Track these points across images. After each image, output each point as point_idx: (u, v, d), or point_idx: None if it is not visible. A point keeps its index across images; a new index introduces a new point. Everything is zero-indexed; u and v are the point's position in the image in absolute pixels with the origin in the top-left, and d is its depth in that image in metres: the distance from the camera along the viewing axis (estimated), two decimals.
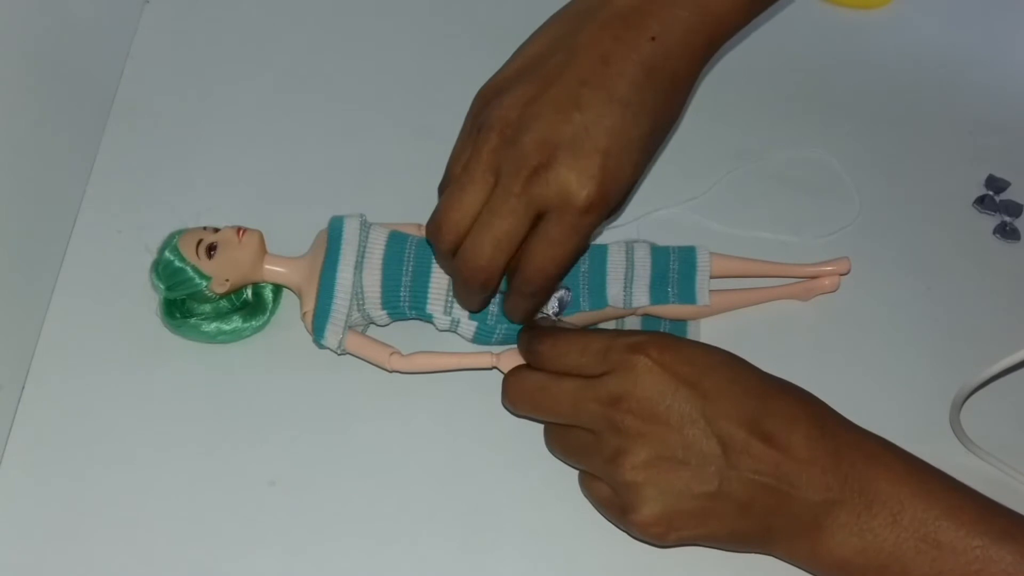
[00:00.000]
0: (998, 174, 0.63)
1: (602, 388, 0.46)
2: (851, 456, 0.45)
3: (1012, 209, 0.62)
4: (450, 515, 0.50)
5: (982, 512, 0.45)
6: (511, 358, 0.52)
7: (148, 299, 0.54)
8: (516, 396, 0.49)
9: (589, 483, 0.49)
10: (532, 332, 0.50)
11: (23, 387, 0.53)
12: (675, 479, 0.45)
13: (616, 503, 0.47)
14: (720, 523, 0.46)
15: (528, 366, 0.50)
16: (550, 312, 0.52)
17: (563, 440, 0.49)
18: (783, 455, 0.45)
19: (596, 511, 0.49)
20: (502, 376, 0.52)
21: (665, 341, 0.47)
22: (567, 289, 0.52)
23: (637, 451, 0.45)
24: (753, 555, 0.48)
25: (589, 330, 0.50)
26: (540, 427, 0.51)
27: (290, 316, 0.55)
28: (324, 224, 0.55)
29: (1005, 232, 0.61)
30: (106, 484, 0.50)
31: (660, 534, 0.46)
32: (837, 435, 0.46)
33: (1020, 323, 0.57)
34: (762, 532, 0.46)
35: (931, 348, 0.57)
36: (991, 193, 0.62)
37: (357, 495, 0.50)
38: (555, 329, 0.50)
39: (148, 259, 0.53)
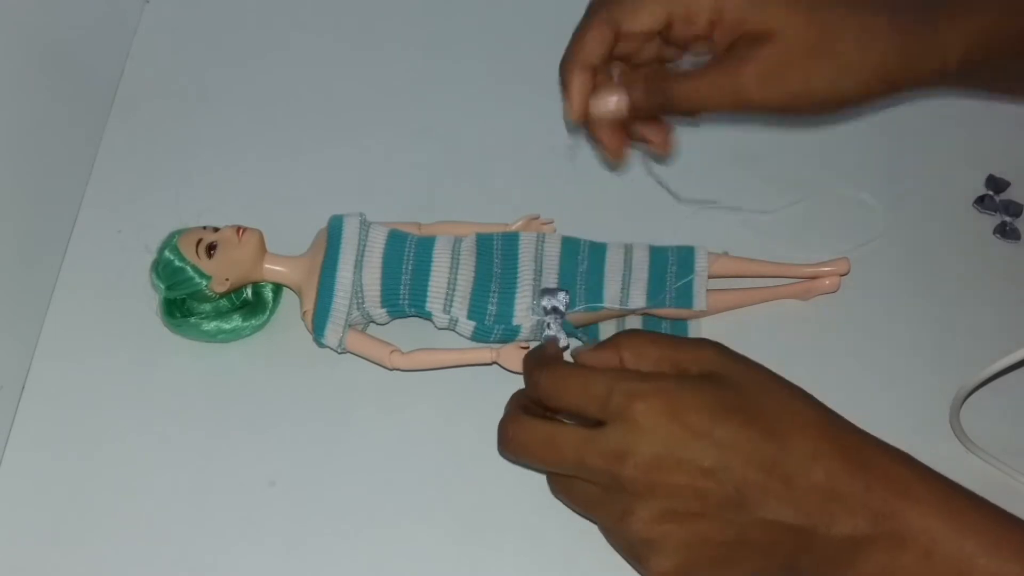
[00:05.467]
0: (998, 174, 0.63)
1: (605, 442, 0.43)
2: (880, 489, 0.42)
3: (1012, 209, 0.62)
4: (451, 514, 0.50)
5: (1020, 543, 0.42)
6: (511, 353, 0.52)
7: (148, 299, 0.54)
8: (516, 447, 0.46)
9: (604, 532, 0.47)
10: (535, 360, 0.47)
11: (23, 387, 0.53)
12: (690, 531, 0.43)
13: (632, 553, 0.45)
14: (742, 567, 0.44)
15: (526, 411, 0.47)
16: (547, 313, 0.52)
17: (569, 492, 0.46)
18: (805, 495, 0.42)
19: None
20: (502, 370, 0.52)
21: (670, 387, 0.43)
22: (565, 292, 0.52)
23: (646, 507, 0.43)
24: None
25: (591, 367, 0.46)
26: None
27: (290, 315, 0.55)
28: (323, 223, 0.55)
29: (1005, 232, 0.61)
30: (106, 484, 0.50)
31: None
32: (863, 466, 0.43)
33: (1020, 323, 0.57)
34: (787, 570, 0.44)
35: (931, 348, 0.56)
36: (991, 193, 0.62)
37: (357, 495, 0.50)
38: (558, 361, 0.48)
39: (148, 259, 0.53)
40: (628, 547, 0.45)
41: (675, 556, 0.43)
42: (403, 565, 0.49)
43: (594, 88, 0.48)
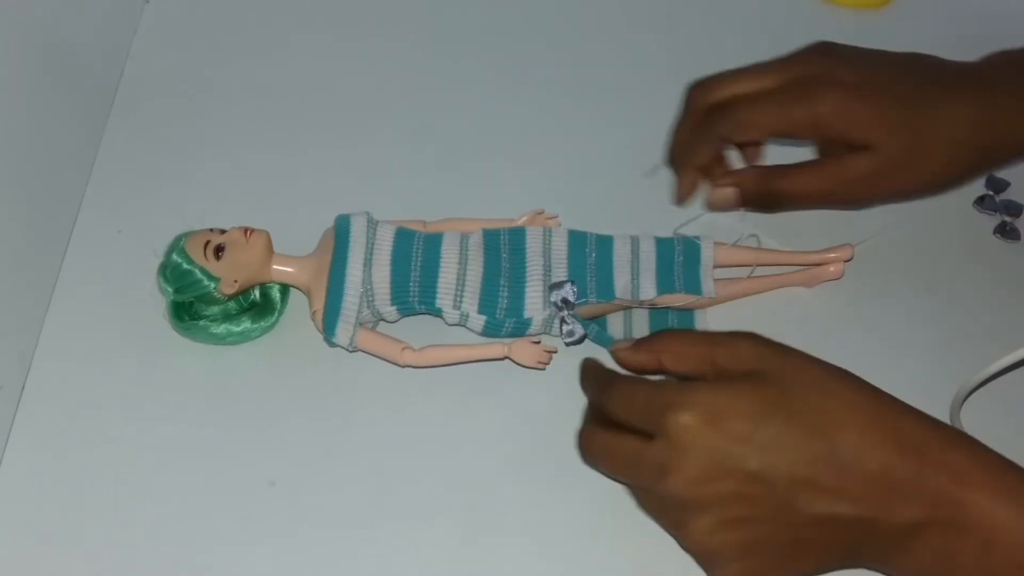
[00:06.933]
0: (998, 174, 0.63)
1: (651, 456, 0.43)
2: (936, 477, 0.42)
3: (1012, 209, 0.62)
4: (453, 514, 0.50)
5: None
6: (523, 347, 0.52)
7: (148, 299, 0.54)
8: (587, 455, 0.48)
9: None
10: (585, 375, 0.49)
11: (23, 387, 0.53)
12: (746, 537, 0.43)
13: (698, 562, 0.45)
14: (807, 562, 0.44)
15: (595, 419, 0.48)
16: (559, 308, 0.52)
17: (637, 497, 0.47)
18: (860, 486, 0.42)
19: (599, 508, 0.49)
20: (514, 365, 0.52)
21: (707, 397, 0.43)
22: (572, 283, 0.52)
23: (698, 520, 0.43)
24: None
25: (633, 380, 0.47)
26: (545, 427, 0.51)
27: (294, 316, 0.55)
28: (326, 223, 0.55)
29: (1005, 232, 0.61)
30: (106, 484, 0.50)
31: None
32: (917, 452, 0.43)
33: (1020, 322, 0.57)
34: (848, 557, 0.45)
35: (931, 348, 0.57)
36: (991, 193, 0.62)
37: (360, 495, 0.50)
38: (604, 374, 0.48)
39: (149, 258, 0.53)
40: (693, 556, 0.45)
41: (737, 564, 0.44)
42: (406, 565, 0.48)
43: (703, 169, 0.56)
